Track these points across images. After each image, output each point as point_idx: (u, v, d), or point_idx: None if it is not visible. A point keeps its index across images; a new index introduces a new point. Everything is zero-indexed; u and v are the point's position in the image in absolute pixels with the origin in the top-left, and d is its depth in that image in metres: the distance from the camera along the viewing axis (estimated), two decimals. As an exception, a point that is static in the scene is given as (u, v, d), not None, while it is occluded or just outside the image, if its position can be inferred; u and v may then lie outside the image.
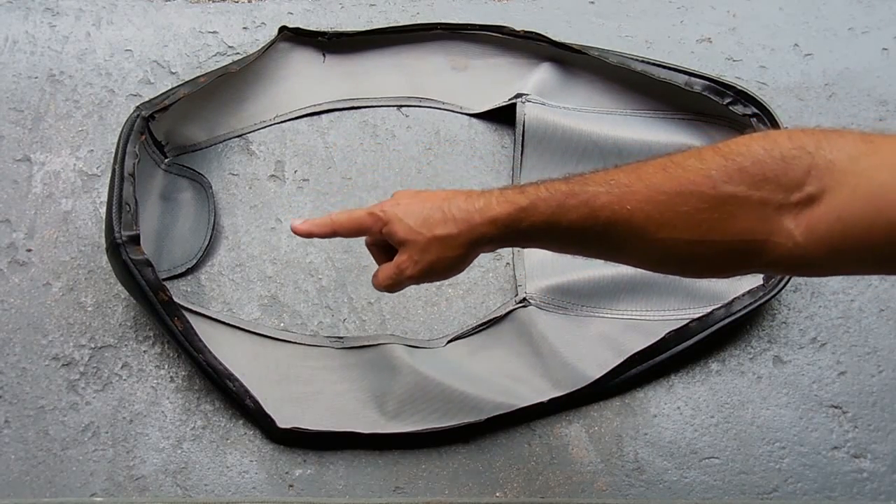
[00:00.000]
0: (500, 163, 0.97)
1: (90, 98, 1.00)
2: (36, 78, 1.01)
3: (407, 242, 0.60)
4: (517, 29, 1.00)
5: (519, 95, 0.97)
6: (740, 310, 0.83)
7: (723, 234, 0.49)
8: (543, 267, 0.89)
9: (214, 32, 1.05)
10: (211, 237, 0.91)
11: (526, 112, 0.95)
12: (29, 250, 0.90)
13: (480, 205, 0.58)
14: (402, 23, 1.04)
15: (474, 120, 1.00)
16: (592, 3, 1.09)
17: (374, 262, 0.84)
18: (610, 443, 0.81)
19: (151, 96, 0.91)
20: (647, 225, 0.51)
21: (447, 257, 0.59)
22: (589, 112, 0.98)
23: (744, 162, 0.48)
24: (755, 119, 0.91)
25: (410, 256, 0.60)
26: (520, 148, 0.95)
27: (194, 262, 0.89)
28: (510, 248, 0.91)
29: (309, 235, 0.65)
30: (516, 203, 0.56)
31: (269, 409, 0.79)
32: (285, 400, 0.82)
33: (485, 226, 0.57)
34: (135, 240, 0.78)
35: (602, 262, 0.85)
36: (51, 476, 0.79)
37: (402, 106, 1.01)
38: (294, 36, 1.01)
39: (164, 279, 0.84)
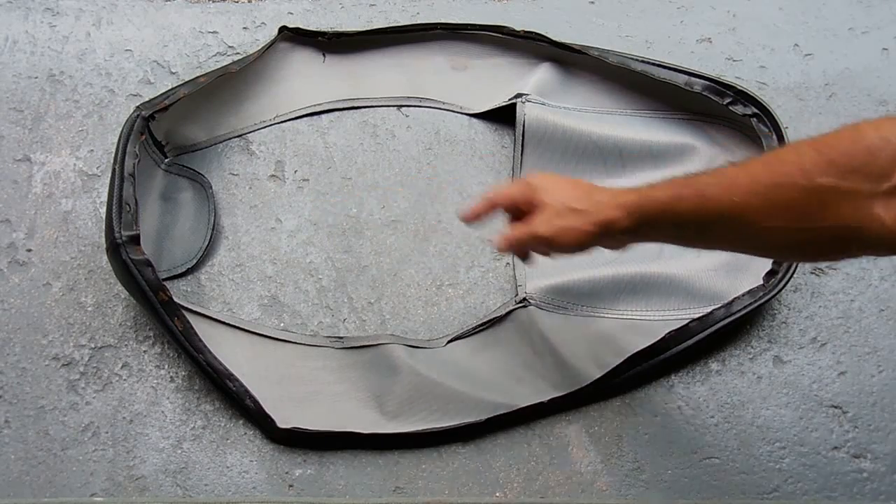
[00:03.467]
0: (500, 163, 0.97)
1: (90, 98, 1.00)
2: (36, 78, 1.01)
3: (545, 205, 0.64)
4: (517, 29, 1.00)
5: (519, 95, 0.97)
6: (740, 310, 0.83)
7: (819, 221, 0.52)
8: (543, 267, 0.89)
9: (214, 32, 1.05)
10: (211, 237, 0.91)
11: (526, 112, 0.95)
12: (29, 250, 0.90)
13: (610, 193, 0.63)
14: (402, 23, 1.04)
15: (474, 120, 1.00)
16: (592, 3, 1.09)
17: (373, 262, 0.87)
18: (610, 443, 0.81)
19: (151, 96, 0.91)
20: (750, 213, 0.55)
21: (576, 228, 0.63)
22: (589, 112, 0.98)
23: (833, 154, 0.51)
24: (755, 119, 0.91)
25: (545, 217, 0.64)
26: (520, 148, 0.95)
27: (194, 262, 0.89)
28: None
29: (476, 218, 0.69)
30: (640, 191, 0.61)
31: (269, 409, 0.79)
32: (285, 400, 0.82)
33: (613, 209, 0.62)
34: (135, 240, 0.78)
35: (602, 261, 0.87)
36: (51, 476, 0.79)
37: (402, 106, 1.01)
38: (294, 36, 1.01)
39: (164, 279, 0.84)
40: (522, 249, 0.68)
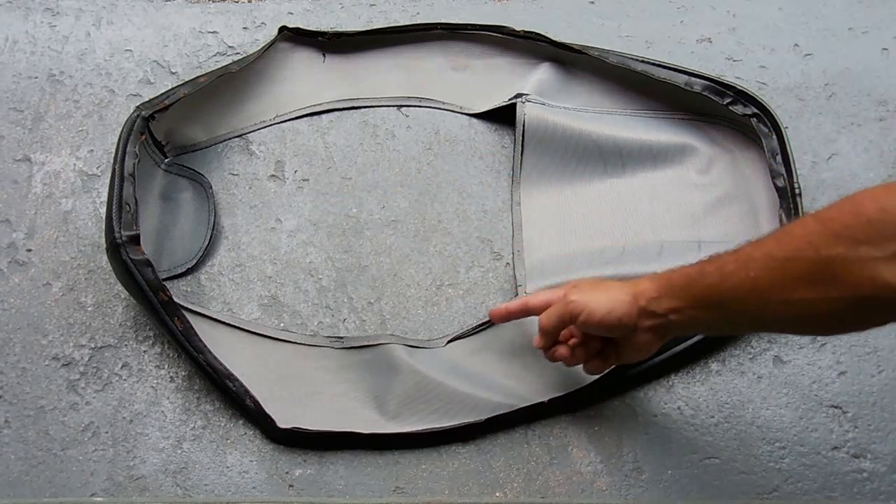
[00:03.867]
0: (500, 163, 0.97)
1: (90, 98, 1.00)
2: (36, 78, 1.01)
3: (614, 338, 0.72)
4: (517, 29, 1.00)
5: (519, 95, 0.97)
6: (740, 310, 0.83)
7: (833, 292, 0.55)
8: (543, 267, 0.89)
9: (214, 32, 1.05)
10: (211, 237, 0.91)
11: (526, 112, 0.95)
12: (29, 250, 0.90)
13: (636, 284, 0.68)
14: (402, 23, 1.04)
15: (474, 120, 1.00)
16: (592, 3, 1.09)
17: (373, 262, 0.89)
18: (610, 443, 0.81)
19: (151, 96, 0.91)
20: (767, 288, 0.59)
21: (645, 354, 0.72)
22: (589, 112, 0.98)
23: (836, 227, 0.54)
24: (755, 119, 0.91)
25: (624, 354, 0.73)
26: (520, 148, 0.95)
27: (194, 262, 0.89)
28: (510, 247, 0.91)
29: (506, 318, 0.80)
30: (663, 276, 0.67)
31: (269, 409, 0.79)
32: (285, 400, 0.82)
33: (642, 296, 0.67)
34: (135, 240, 0.78)
35: (602, 262, 0.87)
36: (51, 476, 0.79)
37: (402, 106, 1.01)
38: (294, 36, 1.02)
39: (164, 279, 0.84)
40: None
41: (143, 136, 0.86)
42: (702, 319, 0.66)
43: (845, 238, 0.54)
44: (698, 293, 0.64)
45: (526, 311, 0.78)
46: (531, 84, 0.98)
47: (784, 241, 0.58)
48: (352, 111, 1.00)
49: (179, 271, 0.89)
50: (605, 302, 0.68)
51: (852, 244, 0.53)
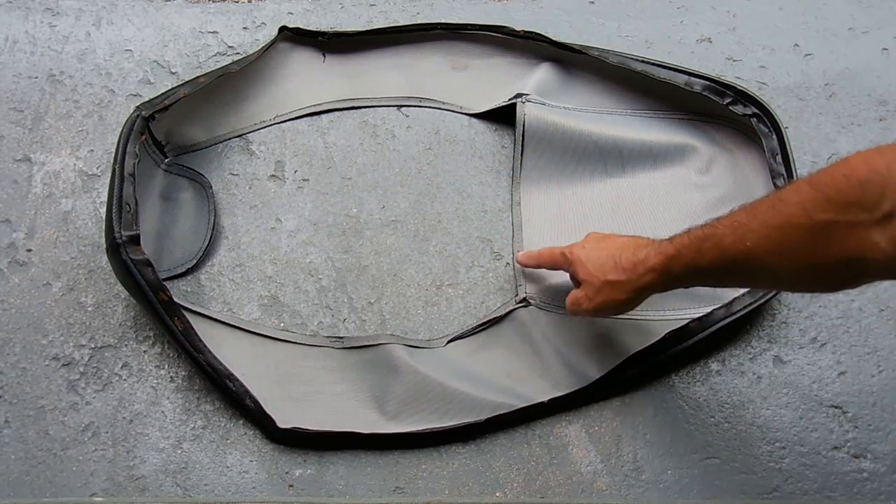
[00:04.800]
0: (500, 163, 0.97)
1: (90, 98, 1.00)
2: (36, 78, 1.01)
3: (584, 282, 0.75)
4: (517, 29, 1.00)
5: (519, 95, 0.97)
6: (740, 310, 0.83)
7: (826, 256, 0.56)
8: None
9: (214, 32, 1.05)
10: (211, 237, 0.91)
11: (526, 112, 0.95)
12: (29, 250, 0.90)
13: (642, 256, 0.70)
14: (402, 23, 1.04)
15: (474, 120, 1.00)
16: (592, 3, 1.09)
17: (373, 262, 0.90)
18: (610, 443, 0.81)
19: (151, 96, 0.91)
20: (764, 256, 0.60)
21: (615, 299, 0.73)
22: (589, 112, 0.98)
23: (828, 191, 0.55)
24: (755, 119, 0.91)
25: (586, 294, 0.75)
26: (520, 148, 0.95)
27: (194, 262, 0.89)
28: (510, 247, 0.91)
29: (527, 266, 0.86)
30: (667, 253, 0.68)
31: (269, 409, 0.79)
32: (285, 400, 0.82)
33: (646, 274, 0.70)
34: (135, 240, 0.78)
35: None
36: (51, 476, 0.79)
37: (402, 106, 1.01)
38: (294, 36, 1.01)
39: (164, 279, 0.84)
40: (576, 316, 0.81)
41: (143, 136, 0.86)
42: (695, 285, 0.70)
43: (837, 202, 0.54)
44: (700, 270, 0.66)
45: (537, 262, 0.84)
46: (531, 84, 0.98)
47: (778, 207, 0.58)
48: (352, 111, 1.00)
49: (179, 271, 0.89)
50: (604, 254, 0.74)
51: (844, 208, 0.54)
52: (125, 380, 0.83)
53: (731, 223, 0.62)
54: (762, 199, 0.61)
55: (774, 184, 0.88)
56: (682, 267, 0.67)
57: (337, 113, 1.00)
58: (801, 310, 0.88)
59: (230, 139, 0.98)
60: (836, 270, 0.57)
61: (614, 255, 0.72)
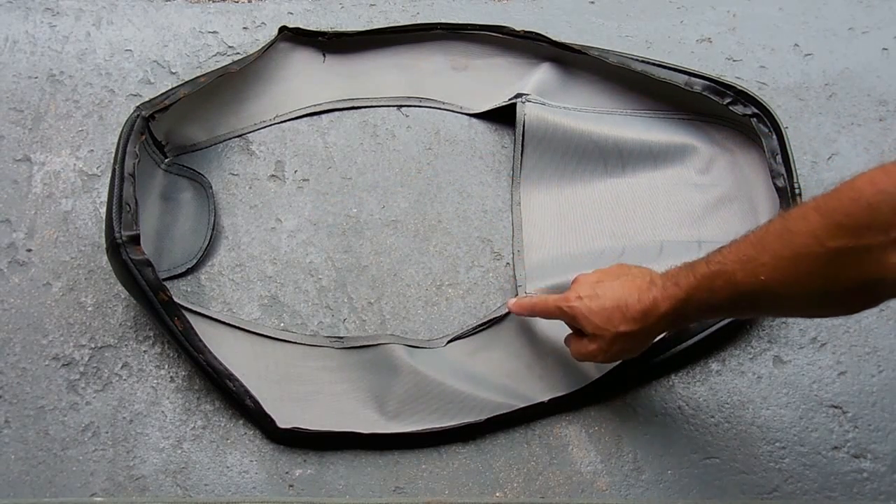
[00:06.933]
0: (500, 163, 0.97)
1: (90, 98, 1.00)
2: (36, 78, 1.01)
3: (594, 336, 0.71)
4: (517, 29, 1.00)
5: (519, 95, 0.97)
6: (740, 310, 0.83)
7: (843, 281, 0.55)
8: (543, 267, 0.89)
9: (214, 32, 1.05)
10: (211, 237, 0.91)
11: (526, 112, 0.95)
12: (29, 250, 0.90)
13: (649, 302, 0.67)
14: (402, 23, 1.04)
15: (474, 120, 1.00)
16: (592, 3, 1.09)
17: (373, 262, 0.90)
18: (610, 443, 0.81)
19: (151, 96, 0.91)
20: (779, 288, 0.59)
21: (631, 348, 0.72)
22: (589, 112, 0.98)
23: (838, 217, 0.54)
24: (755, 119, 0.91)
25: (600, 347, 0.71)
26: (520, 148, 0.95)
27: (194, 262, 0.89)
28: (510, 247, 0.91)
29: (519, 314, 0.81)
30: (677, 297, 0.66)
31: (269, 409, 0.79)
32: (285, 400, 0.82)
33: (659, 322, 0.68)
34: (135, 240, 0.78)
35: (602, 262, 0.87)
36: (51, 476, 0.79)
37: (402, 106, 1.01)
38: (294, 36, 1.01)
39: (164, 279, 0.84)
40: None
41: (143, 136, 0.86)
42: (712, 318, 0.71)
43: (849, 227, 0.53)
44: (713, 308, 0.65)
45: (531, 313, 0.79)
46: (531, 84, 0.98)
47: (788, 238, 0.58)
48: (352, 111, 1.00)
49: (179, 271, 0.89)
50: (608, 304, 0.70)
51: (856, 232, 0.53)
52: (125, 380, 0.83)
53: (740, 258, 0.61)
54: (768, 229, 0.60)
55: (774, 184, 0.88)
56: (694, 309, 0.66)
57: (337, 113, 1.00)
58: (801, 310, 0.88)
59: (230, 139, 0.98)
60: (854, 294, 0.56)
61: (620, 306, 0.69)
